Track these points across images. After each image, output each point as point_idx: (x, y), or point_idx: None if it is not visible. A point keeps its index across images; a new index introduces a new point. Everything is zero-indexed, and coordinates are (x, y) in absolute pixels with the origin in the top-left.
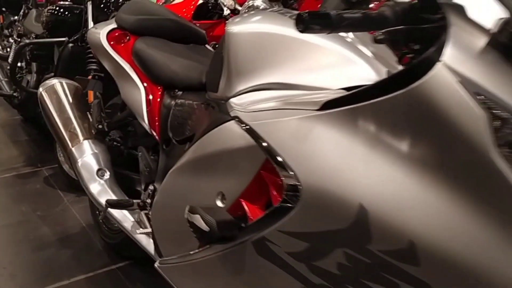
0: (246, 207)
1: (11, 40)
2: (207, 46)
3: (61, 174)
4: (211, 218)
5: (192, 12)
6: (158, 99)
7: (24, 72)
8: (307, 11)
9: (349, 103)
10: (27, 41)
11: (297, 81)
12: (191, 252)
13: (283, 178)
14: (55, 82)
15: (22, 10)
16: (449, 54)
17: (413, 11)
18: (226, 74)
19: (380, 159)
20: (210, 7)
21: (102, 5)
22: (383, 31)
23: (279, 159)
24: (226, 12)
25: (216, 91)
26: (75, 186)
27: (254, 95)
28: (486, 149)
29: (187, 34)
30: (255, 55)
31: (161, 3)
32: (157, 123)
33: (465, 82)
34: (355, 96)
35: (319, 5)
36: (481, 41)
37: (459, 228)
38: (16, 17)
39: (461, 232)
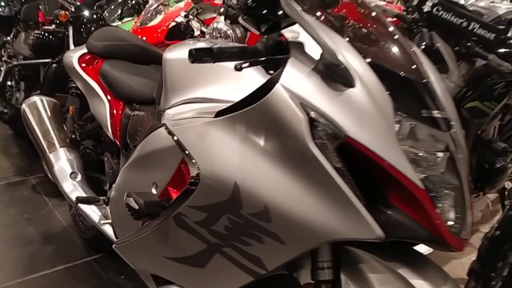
0: (171, 192)
1: (2, 59)
2: None
3: (47, 182)
4: (141, 199)
5: (166, 33)
6: (120, 112)
7: (13, 90)
8: (196, 48)
9: (231, 112)
10: (15, 62)
11: (213, 96)
12: (136, 231)
13: (190, 167)
14: (36, 99)
15: (12, 33)
16: (284, 77)
17: (280, 45)
18: (164, 91)
19: (248, 150)
20: (182, 28)
21: (82, 30)
22: (244, 61)
23: (187, 153)
24: (197, 32)
25: (159, 105)
26: (59, 192)
27: (183, 107)
28: (306, 141)
29: (148, 56)
30: (184, 76)
31: (138, 25)
32: (118, 132)
33: (293, 96)
34: (235, 106)
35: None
36: (308, 68)
37: (293, 194)
38: (8, 38)
39: (294, 197)
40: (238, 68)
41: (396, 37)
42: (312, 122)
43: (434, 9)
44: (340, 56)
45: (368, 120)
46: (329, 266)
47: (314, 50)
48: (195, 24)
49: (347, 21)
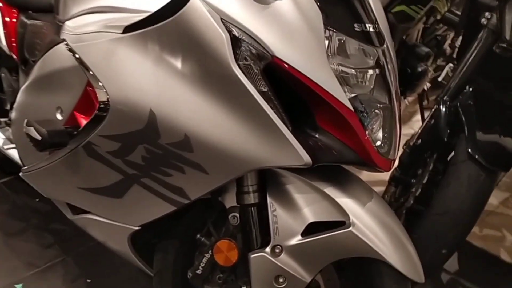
0: (79, 118)
1: None
2: None
3: None
4: (43, 129)
5: None
6: (14, 20)
7: None
8: None
9: (142, 27)
10: None
11: (122, 4)
12: (43, 160)
13: (97, 90)
14: None
15: None
16: None
17: None
18: None
19: (164, 73)
20: None
21: None
22: None
23: (92, 74)
24: None
25: (58, 14)
26: None
27: (85, 19)
28: (228, 62)
29: None
30: None
31: None
32: (14, 44)
33: (213, 11)
34: (146, 21)
35: None
36: None
37: (215, 121)
38: None
39: (217, 124)
40: None
41: None
42: (234, 41)
43: None
44: None
45: (296, 37)
46: (254, 189)
47: None
48: None
49: None
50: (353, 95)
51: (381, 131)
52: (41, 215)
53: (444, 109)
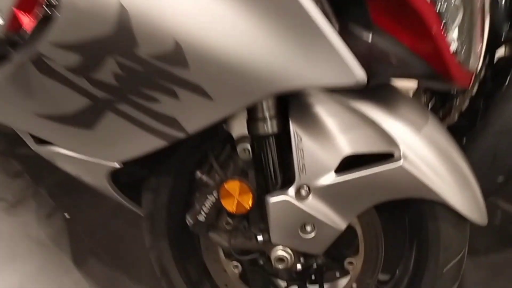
0: (21, 19)
1: None
2: None
3: None
4: None
5: None
6: None
7: None
8: None
9: None
10: None
11: None
12: None
13: None
14: None
15: None
16: None
17: None
18: None
19: None
20: None
21: None
22: None
23: None
24: None
25: None
26: None
27: None
28: None
29: None
30: None
31: None
32: None
33: None
34: None
35: None
36: None
37: (221, 20)
38: None
39: (224, 25)
40: None
41: None
42: None
43: None
44: None
45: None
46: (272, 115)
47: None
48: None
49: None
50: None
51: (456, 30)
52: (4, 139)
53: None
